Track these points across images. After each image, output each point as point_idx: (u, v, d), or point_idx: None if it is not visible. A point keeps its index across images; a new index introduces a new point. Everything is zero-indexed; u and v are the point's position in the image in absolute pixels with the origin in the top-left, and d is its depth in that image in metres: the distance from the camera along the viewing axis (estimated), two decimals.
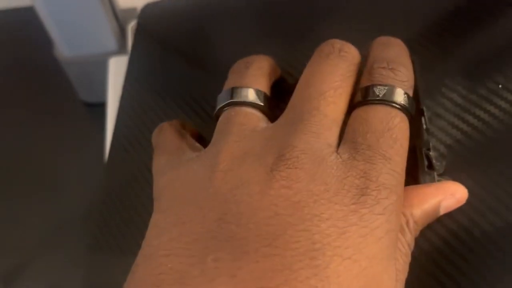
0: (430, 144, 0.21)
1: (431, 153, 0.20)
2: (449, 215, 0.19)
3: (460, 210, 0.19)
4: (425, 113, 0.21)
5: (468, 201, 0.19)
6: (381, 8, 0.27)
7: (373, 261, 0.14)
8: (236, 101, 0.19)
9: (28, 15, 0.66)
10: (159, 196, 0.18)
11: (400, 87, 0.17)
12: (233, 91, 0.19)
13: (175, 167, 0.18)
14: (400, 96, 0.17)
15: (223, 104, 0.20)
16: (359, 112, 0.18)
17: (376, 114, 0.17)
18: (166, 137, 0.22)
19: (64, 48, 0.64)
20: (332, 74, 0.18)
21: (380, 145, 0.16)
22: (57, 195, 0.68)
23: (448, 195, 0.18)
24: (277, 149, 0.16)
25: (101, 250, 0.38)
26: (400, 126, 0.17)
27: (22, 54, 0.82)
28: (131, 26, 0.50)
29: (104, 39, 0.61)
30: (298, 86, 0.19)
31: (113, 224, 0.37)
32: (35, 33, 0.68)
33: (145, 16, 0.41)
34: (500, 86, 0.21)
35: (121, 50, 0.64)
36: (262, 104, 0.19)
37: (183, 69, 0.37)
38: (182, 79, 0.35)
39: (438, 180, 0.20)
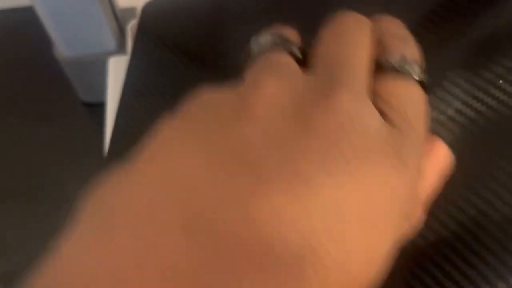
0: None
1: None
2: (455, 204, 0.19)
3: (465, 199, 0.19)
4: None
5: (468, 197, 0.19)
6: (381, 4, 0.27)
7: (378, 211, 0.14)
8: (280, 45, 0.18)
9: (27, 15, 0.66)
10: (184, 104, 0.17)
11: (415, 62, 0.17)
12: (276, 36, 0.18)
13: (211, 91, 0.17)
14: (416, 69, 0.17)
15: (266, 45, 0.18)
16: (378, 81, 0.17)
17: (397, 84, 0.16)
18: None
19: (64, 48, 0.64)
20: (361, 32, 0.17)
21: (410, 116, 0.15)
22: (57, 194, 0.68)
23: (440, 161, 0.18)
24: (322, 94, 0.15)
25: None
26: (421, 97, 0.17)
27: (21, 54, 0.82)
28: (130, 26, 0.49)
29: (104, 39, 0.61)
30: (324, 41, 0.18)
31: None
32: (35, 33, 0.68)
33: (146, 14, 0.41)
34: (500, 82, 0.21)
35: (120, 50, 0.64)
36: (302, 58, 0.18)
37: (184, 68, 0.36)
38: (183, 78, 0.35)
39: None
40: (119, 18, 0.63)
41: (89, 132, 0.74)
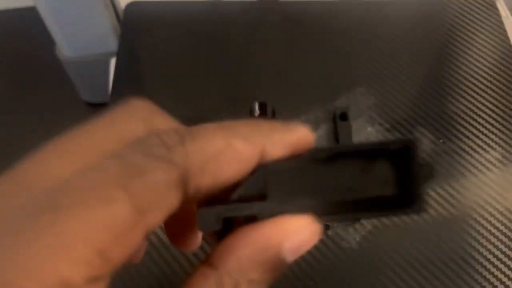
0: None
1: None
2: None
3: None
4: None
5: None
6: None
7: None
8: None
9: (30, 15, 0.66)
10: None
11: None
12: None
13: None
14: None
15: None
16: None
17: None
18: None
19: (66, 48, 0.64)
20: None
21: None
22: None
23: (289, 234, 0.14)
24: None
25: None
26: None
27: (23, 54, 0.82)
28: None
29: (106, 39, 0.61)
30: None
31: None
32: (37, 33, 0.68)
33: (128, 14, 0.41)
34: (441, 140, 0.21)
35: None
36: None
37: (163, 65, 0.37)
38: (167, 77, 0.35)
39: None
40: (121, 19, 0.63)
41: None
